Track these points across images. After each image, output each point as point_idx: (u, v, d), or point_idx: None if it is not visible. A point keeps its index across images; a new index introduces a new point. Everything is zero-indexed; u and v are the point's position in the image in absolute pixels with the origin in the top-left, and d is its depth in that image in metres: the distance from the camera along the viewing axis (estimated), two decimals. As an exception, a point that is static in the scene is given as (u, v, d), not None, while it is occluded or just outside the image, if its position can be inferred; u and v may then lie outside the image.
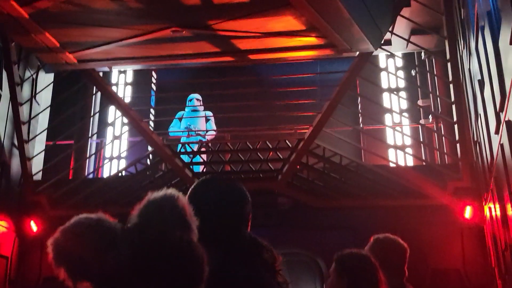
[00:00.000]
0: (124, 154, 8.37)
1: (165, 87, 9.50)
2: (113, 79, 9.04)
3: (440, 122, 7.41)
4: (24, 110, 6.74)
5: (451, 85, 6.11)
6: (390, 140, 8.04)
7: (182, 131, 7.72)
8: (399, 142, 8.05)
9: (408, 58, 8.10)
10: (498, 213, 4.11)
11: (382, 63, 8.66)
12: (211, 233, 1.59)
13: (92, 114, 8.22)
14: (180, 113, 8.08)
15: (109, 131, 8.77)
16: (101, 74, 6.66)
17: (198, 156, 6.64)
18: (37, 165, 6.88)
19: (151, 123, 8.13)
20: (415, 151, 7.77)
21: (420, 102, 7.85)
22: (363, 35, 5.01)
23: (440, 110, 7.25)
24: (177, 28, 5.00)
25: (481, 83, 4.30)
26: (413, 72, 8.36)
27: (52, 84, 7.56)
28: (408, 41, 6.75)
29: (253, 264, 1.56)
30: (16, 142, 6.61)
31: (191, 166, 6.45)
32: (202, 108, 8.20)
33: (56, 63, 5.81)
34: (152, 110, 8.84)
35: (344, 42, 5.16)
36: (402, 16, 6.21)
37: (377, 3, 5.06)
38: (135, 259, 1.14)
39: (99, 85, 6.50)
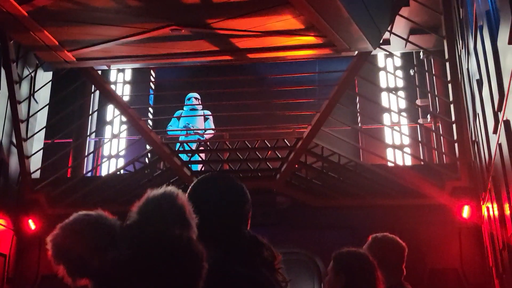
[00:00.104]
0: (122, 153, 8.37)
1: (163, 85, 9.50)
2: (112, 78, 9.04)
3: (438, 121, 7.42)
4: (22, 108, 6.73)
5: (449, 85, 6.12)
6: (388, 140, 8.05)
7: (181, 130, 7.72)
8: (397, 142, 8.06)
9: (406, 57, 8.11)
10: (496, 212, 4.12)
11: (380, 62, 8.67)
12: (211, 231, 1.59)
13: (90, 112, 8.22)
14: (178, 112, 8.08)
15: (108, 129, 8.76)
16: (99, 72, 6.65)
17: (196, 154, 6.64)
18: (35, 163, 6.87)
19: (150, 122, 8.12)
20: (413, 150, 7.79)
21: (418, 102, 7.86)
22: (362, 35, 5.01)
23: (438, 110, 7.27)
24: (176, 26, 4.99)
25: (480, 82, 4.31)
26: (411, 72, 8.38)
27: (50, 82, 7.55)
28: (407, 40, 6.76)
29: (253, 262, 1.57)
30: (14, 140, 6.61)
31: (189, 165, 6.45)
32: (200, 107, 8.20)
33: (55, 61, 5.80)
34: (150, 109, 8.84)
35: (343, 42, 5.16)
36: (401, 16, 6.22)
37: (376, 2, 5.07)
38: (135, 256, 1.14)
39: (98, 84, 6.49)
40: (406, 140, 8.05)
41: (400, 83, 8.61)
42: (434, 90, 7.39)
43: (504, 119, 3.17)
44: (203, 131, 7.68)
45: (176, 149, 6.54)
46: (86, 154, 7.92)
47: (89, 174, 7.43)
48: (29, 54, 7.07)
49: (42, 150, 7.10)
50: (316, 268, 6.63)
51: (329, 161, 6.13)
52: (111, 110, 8.70)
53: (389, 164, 6.65)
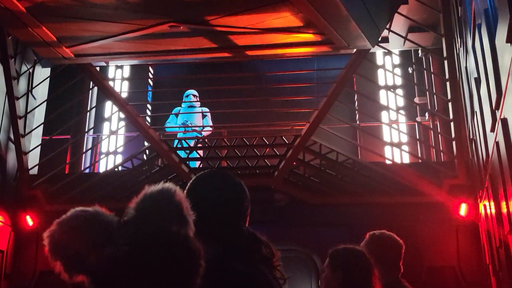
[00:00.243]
0: (120, 149, 8.36)
1: (162, 82, 9.49)
2: (110, 74, 9.02)
3: (436, 119, 7.43)
4: (20, 104, 6.72)
5: (447, 83, 6.13)
6: (386, 137, 8.06)
7: (179, 127, 7.72)
8: (395, 140, 8.08)
9: (405, 55, 8.12)
10: (493, 210, 4.13)
11: (379, 60, 8.67)
12: (210, 228, 1.60)
13: (88, 109, 8.20)
14: (176, 109, 8.08)
15: (106, 126, 8.75)
16: (98, 68, 6.64)
17: (194, 151, 6.64)
18: (33, 159, 6.87)
19: (148, 118, 8.12)
20: (411, 148, 7.80)
21: (416, 100, 7.87)
22: (361, 32, 5.01)
23: (436, 108, 7.28)
24: (174, 23, 4.99)
25: (478, 81, 4.31)
26: (410, 70, 8.38)
27: (48, 78, 7.54)
28: (405, 38, 6.76)
29: (251, 259, 1.57)
30: (12, 136, 6.59)
31: (187, 162, 6.45)
32: (198, 104, 8.20)
33: (53, 57, 5.79)
34: (148, 105, 8.83)
35: (342, 39, 5.16)
36: (400, 14, 6.22)
37: (375, 0, 5.06)
38: (132, 253, 1.14)
39: (96, 80, 6.48)
40: (404, 138, 8.06)
41: (399, 81, 8.61)
42: (432, 88, 7.40)
43: (502, 117, 3.17)
44: (201, 128, 7.68)
45: (174, 146, 6.55)
46: (84, 150, 7.91)
47: (87, 171, 7.42)
48: (27, 50, 7.05)
49: (40, 146, 7.09)
50: (314, 266, 6.65)
51: (327, 159, 6.14)
52: (109, 107, 8.69)
53: (387, 162, 6.66)
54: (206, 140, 7.16)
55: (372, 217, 5.80)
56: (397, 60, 8.53)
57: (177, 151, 6.42)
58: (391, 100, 8.45)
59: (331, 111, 6.10)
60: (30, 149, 6.78)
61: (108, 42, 5.40)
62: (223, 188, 1.69)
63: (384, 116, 8.37)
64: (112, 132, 8.48)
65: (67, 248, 1.15)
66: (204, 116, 7.99)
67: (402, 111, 8.14)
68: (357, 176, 6.14)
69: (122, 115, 8.03)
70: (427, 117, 7.90)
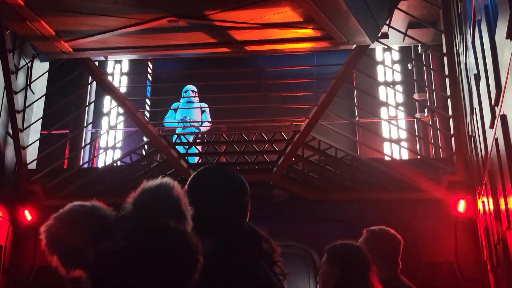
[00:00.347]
0: (119, 144, 8.35)
1: (161, 77, 9.47)
2: (109, 69, 9.00)
3: (435, 116, 7.43)
4: (19, 99, 6.70)
5: (447, 79, 6.12)
6: (385, 134, 8.06)
7: (178, 122, 7.71)
8: (394, 136, 8.07)
9: (404, 51, 8.11)
10: (491, 207, 4.14)
11: (378, 56, 8.66)
12: (210, 223, 1.60)
13: (87, 103, 8.19)
14: (175, 104, 8.07)
15: (105, 121, 8.74)
16: (96, 63, 6.63)
17: (193, 147, 6.63)
18: (31, 154, 6.86)
19: (147, 114, 8.11)
20: (410, 144, 7.80)
21: (416, 96, 7.87)
22: (360, 28, 5.00)
23: (435, 104, 7.27)
24: (173, 18, 4.97)
25: (477, 77, 4.31)
26: (409, 66, 8.37)
27: (47, 72, 7.51)
28: (405, 34, 6.75)
29: (251, 254, 1.57)
30: (10, 131, 6.58)
31: (186, 157, 6.45)
32: (197, 99, 8.18)
33: (52, 52, 5.77)
34: (147, 101, 8.81)
35: (341, 35, 5.15)
36: (400, 9, 6.20)
37: (375, -5, 5.05)
38: (130, 247, 1.14)
39: (95, 75, 6.46)
40: (403, 134, 8.06)
41: (398, 77, 8.60)
42: (432, 84, 7.39)
43: (501, 113, 3.17)
44: (200, 124, 7.67)
45: (173, 141, 6.54)
46: (82, 145, 7.90)
47: (85, 166, 7.42)
48: (26, 44, 7.03)
49: (38, 141, 7.08)
50: (312, 261, 6.66)
51: (326, 155, 6.14)
52: (108, 102, 8.68)
53: (386, 158, 6.67)
54: (205, 135, 7.16)
55: (370, 213, 5.80)
56: (396, 56, 8.52)
57: (176, 147, 6.42)
58: (390, 96, 8.44)
59: (330, 107, 6.09)
60: (29, 143, 6.78)
61: (107, 37, 5.38)
62: (223, 183, 1.69)
63: (383, 112, 8.37)
64: (111, 127, 8.47)
65: (65, 243, 1.14)
66: (202, 112, 7.98)
67: (401, 107, 8.14)
68: (356, 172, 6.14)
69: (121, 110, 8.01)
70: (426, 114, 7.90)
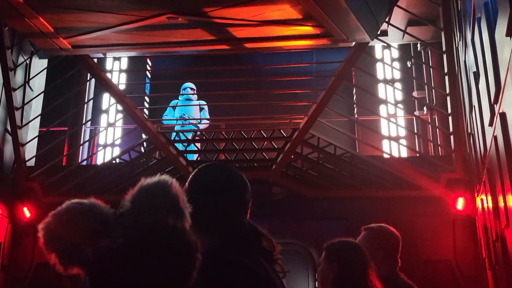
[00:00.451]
0: (118, 142, 8.34)
1: (159, 74, 9.46)
2: (108, 66, 8.99)
3: (434, 113, 7.43)
4: (17, 96, 6.69)
5: (446, 77, 6.11)
6: (384, 131, 8.06)
7: (176, 120, 7.70)
8: (393, 133, 8.07)
9: (404, 49, 8.10)
10: (490, 204, 4.14)
11: (378, 53, 8.66)
12: (211, 220, 1.60)
13: (86, 100, 8.17)
14: (174, 102, 8.06)
15: (103, 118, 8.73)
16: (95, 60, 6.61)
17: (192, 144, 6.63)
18: (30, 151, 6.85)
19: (146, 111, 8.10)
20: (409, 142, 7.80)
21: (415, 94, 7.87)
22: (360, 25, 4.99)
23: (434, 102, 7.27)
24: (172, 15, 4.95)
25: (476, 75, 4.30)
26: (408, 64, 8.37)
27: (46, 69, 7.50)
28: (404, 32, 6.73)
29: (252, 252, 1.56)
30: (9, 128, 6.57)
31: (185, 154, 6.44)
32: (195, 97, 8.18)
33: (50, 49, 5.75)
34: (146, 98, 8.80)
35: (341, 32, 5.14)
36: (399, 7, 6.19)
37: (374, -7, 5.04)
38: (128, 245, 1.13)
39: (94, 72, 6.45)
40: (402, 132, 8.06)
41: (397, 75, 8.60)
42: (431, 82, 7.38)
43: (500, 111, 3.17)
44: (198, 121, 7.66)
45: (172, 139, 6.53)
46: (81, 142, 7.90)
47: (84, 163, 7.41)
48: (24, 41, 7.01)
49: (37, 138, 7.07)
50: (311, 259, 6.67)
51: (325, 152, 6.14)
52: (107, 99, 8.66)
53: (385, 155, 6.67)
54: (204, 133, 7.15)
55: (369, 210, 5.81)
56: (396, 53, 8.52)
57: (175, 144, 6.41)
58: (390, 94, 8.44)
59: (329, 104, 6.08)
60: (27, 140, 6.76)
61: (106, 34, 5.37)
62: (224, 180, 1.69)
63: (383, 109, 8.37)
64: (110, 124, 8.45)
65: (62, 240, 1.14)
66: (201, 109, 7.97)
67: (400, 105, 8.14)
68: (355, 170, 6.14)
69: (119, 107, 8.00)
70: (425, 111, 7.90)
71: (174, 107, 7.98)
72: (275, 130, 6.27)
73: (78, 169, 6.63)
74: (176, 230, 1.18)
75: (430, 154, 7.29)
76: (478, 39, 3.94)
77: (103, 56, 7.02)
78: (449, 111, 6.01)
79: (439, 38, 6.52)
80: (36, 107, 7.32)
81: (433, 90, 7.26)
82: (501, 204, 3.42)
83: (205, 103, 8.03)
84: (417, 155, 6.89)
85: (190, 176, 1.71)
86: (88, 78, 7.69)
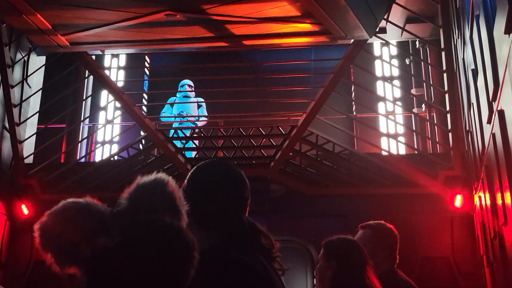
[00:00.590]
0: (116, 139, 8.33)
1: (158, 71, 9.44)
2: (106, 63, 8.96)
3: (433, 111, 7.44)
4: (15, 93, 6.67)
5: (444, 74, 6.11)
6: (383, 129, 8.06)
7: (175, 117, 7.69)
8: (392, 131, 8.08)
9: (402, 46, 8.09)
10: (488, 202, 4.15)
11: (376, 51, 8.65)
12: (210, 217, 1.60)
13: (84, 97, 8.15)
14: (171, 99, 8.04)
15: (102, 115, 8.71)
16: (93, 57, 6.60)
17: (190, 141, 6.62)
18: (28, 148, 6.83)
19: (144, 108, 8.09)
20: (407, 139, 7.80)
21: (413, 91, 7.86)
22: (358, 23, 4.99)
23: (433, 99, 7.27)
24: (170, 12, 4.94)
25: (475, 72, 4.30)
26: (407, 61, 8.36)
27: (44, 66, 7.48)
28: (403, 29, 6.73)
29: (251, 249, 1.56)
30: (7, 125, 6.56)
31: (183, 152, 6.44)
32: (193, 94, 8.16)
33: (48, 46, 5.74)
34: (145, 95, 8.79)
35: (339, 29, 5.13)
36: (398, 4, 6.19)
37: (373, -10, 5.03)
38: (125, 243, 1.13)
39: (92, 69, 6.44)
40: (401, 129, 8.06)
41: (396, 72, 8.60)
42: (429, 79, 7.38)
43: (499, 109, 3.17)
44: (196, 118, 7.65)
45: (170, 136, 6.52)
46: (79, 139, 7.88)
47: (82, 160, 7.40)
48: (22, 37, 6.99)
49: (35, 135, 7.06)
50: (309, 256, 6.67)
51: (324, 149, 6.14)
52: (105, 96, 8.65)
53: (383, 153, 6.67)
54: (202, 130, 7.14)
55: (368, 207, 5.81)
56: (394, 51, 8.51)
57: (173, 141, 6.40)
58: (388, 91, 8.44)
59: (328, 101, 6.08)
60: (25, 137, 6.75)
61: (104, 31, 5.36)
62: (223, 177, 1.69)
63: (381, 107, 8.36)
64: (108, 121, 8.44)
65: (59, 240, 1.13)
66: (199, 106, 7.96)
67: (398, 102, 8.13)
68: (353, 167, 6.15)
69: (118, 104, 7.98)
70: (423, 109, 7.90)
71: (172, 104, 7.96)
72: (273, 127, 6.27)
73: (76, 166, 6.62)
74: (173, 228, 1.18)
75: (428, 152, 7.30)
76: (476, 36, 3.93)
77: (101, 53, 7.00)
78: (448, 108, 6.01)
79: (437, 35, 6.51)
80: (34, 104, 7.30)
81: (432, 87, 7.26)
82: (499, 202, 3.42)
83: (203, 100, 8.02)
84: (416, 152, 6.89)
85: (189, 174, 1.71)
86: (86, 75, 7.67)
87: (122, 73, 9.08)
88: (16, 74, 6.88)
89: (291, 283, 6.70)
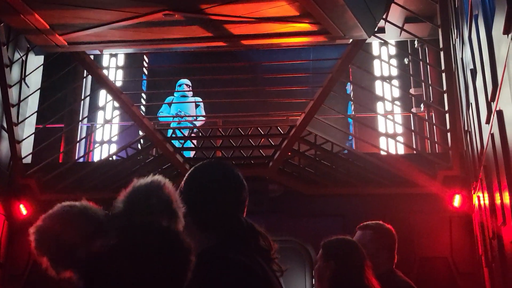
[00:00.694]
0: (114, 139, 8.32)
1: (156, 71, 9.43)
2: (104, 63, 8.95)
3: (431, 111, 7.43)
4: (13, 93, 6.66)
5: (443, 74, 6.11)
6: (381, 128, 8.06)
7: (173, 117, 7.68)
8: (390, 130, 8.07)
9: (401, 46, 8.09)
10: (487, 202, 4.15)
11: (375, 50, 8.64)
12: (208, 218, 1.59)
13: (82, 97, 8.14)
14: (169, 98, 8.03)
15: (100, 115, 8.70)
16: (92, 57, 6.59)
17: (189, 141, 6.62)
18: (26, 148, 6.82)
19: (142, 108, 8.08)
20: (406, 139, 7.80)
21: (412, 91, 7.86)
22: (357, 22, 4.98)
23: (431, 99, 7.27)
24: (169, 11, 4.93)
25: (473, 72, 4.30)
26: (405, 61, 8.36)
27: (42, 66, 7.46)
28: (401, 29, 6.73)
29: (249, 250, 1.56)
30: (5, 125, 6.54)
31: (182, 151, 6.43)
32: (191, 93, 8.16)
33: (46, 45, 5.73)
34: (143, 95, 8.77)
35: (338, 29, 5.13)
36: (396, 4, 6.18)
37: (372, -10, 5.03)
38: (121, 247, 1.12)
39: (90, 68, 6.42)
40: (399, 129, 8.06)
41: (394, 72, 8.60)
42: (428, 79, 7.38)
43: (497, 109, 3.17)
44: (194, 118, 7.64)
45: (169, 136, 6.52)
46: (78, 139, 7.87)
47: (81, 160, 7.39)
48: (20, 37, 6.97)
49: (33, 135, 7.05)
50: (308, 256, 6.67)
51: (322, 149, 6.13)
52: (103, 95, 8.63)
53: (382, 152, 6.67)
54: (201, 130, 7.14)
55: (366, 207, 5.80)
56: (393, 50, 8.51)
57: (172, 141, 6.40)
58: (387, 91, 8.44)
59: (326, 101, 6.08)
60: (24, 137, 6.73)
61: (102, 30, 5.34)
62: (221, 178, 1.69)
63: (380, 107, 8.36)
64: (107, 121, 8.43)
65: (54, 244, 1.13)
66: (197, 106, 7.95)
67: (397, 102, 8.13)
68: (352, 167, 6.14)
69: (116, 104, 7.97)
70: (422, 108, 7.90)
71: (169, 104, 7.95)
72: (272, 127, 6.26)
73: (74, 166, 6.60)
74: (169, 232, 1.18)
75: (427, 151, 7.30)
76: (475, 36, 3.93)
77: (99, 53, 6.99)
78: (446, 108, 6.01)
79: (436, 35, 6.51)
80: (32, 104, 7.28)
81: (430, 87, 7.26)
82: (498, 202, 3.42)
83: (201, 100, 8.01)
84: (414, 152, 6.89)
85: (187, 174, 1.71)
86: (85, 75, 7.66)
87: (120, 73, 9.07)
88: (14, 73, 6.86)
89: (290, 283, 6.69)
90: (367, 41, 6.14)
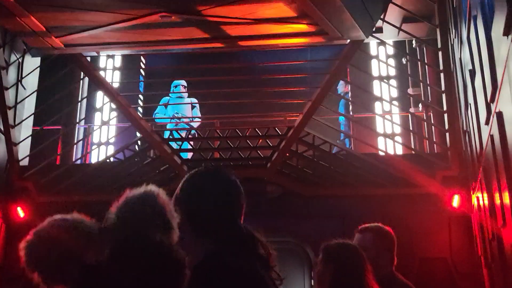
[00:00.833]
0: (112, 140, 8.29)
1: (154, 72, 9.40)
2: (101, 64, 8.92)
3: (430, 111, 7.42)
4: (10, 95, 6.63)
5: (441, 74, 6.10)
6: (380, 129, 8.05)
7: (170, 118, 7.65)
8: (388, 131, 8.06)
9: (399, 46, 8.08)
10: (486, 202, 4.14)
11: (373, 50, 8.63)
12: (207, 225, 1.58)
13: (79, 99, 8.11)
14: (165, 99, 8.00)
15: (97, 116, 8.67)
16: (88, 59, 6.56)
17: (186, 142, 6.60)
18: (23, 150, 6.79)
19: (140, 109, 8.05)
20: (404, 139, 7.79)
21: (410, 91, 7.85)
22: (355, 23, 4.97)
23: (430, 99, 7.26)
24: (166, 13, 4.91)
25: (472, 72, 4.29)
26: (404, 61, 8.35)
27: (38, 68, 7.43)
28: (399, 29, 6.71)
29: (248, 257, 1.55)
30: (2, 127, 6.51)
31: (179, 153, 6.40)
32: (187, 95, 8.13)
33: (42, 47, 5.71)
34: (140, 96, 8.75)
35: (335, 30, 5.12)
36: (394, 4, 6.17)
37: (369, -10, 5.02)
38: (114, 263, 1.10)
39: (87, 70, 6.40)
40: (398, 129, 8.05)
41: (392, 72, 8.58)
42: (426, 79, 7.37)
43: (497, 110, 3.15)
44: (190, 119, 7.61)
45: (166, 137, 6.49)
46: (75, 141, 7.84)
47: (78, 162, 7.36)
48: (17, 39, 6.93)
49: (30, 137, 7.01)
50: (306, 257, 6.66)
51: (320, 150, 6.12)
52: (100, 97, 8.60)
53: (380, 153, 6.65)
54: (198, 131, 7.11)
55: (365, 208, 5.79)
56: (391, 50, 8.49)
57: (169, 142, 6.37)
58: (385, 91, 8.42)
59: (324, 102, 6.06)
60: (21, 140, 6.70)
61: (99, 32, 5.32)
62: (218, 184, 1.68)
63: (378, 107, 8.35)
64: (104, 123, 8.40)
65: (45, 259, 1.11)
66: (193, 107, 7.92)
67: (395, 102, 8.12)
68: (350, 168, 6.13)
69: (113, 106, 7.94)
70: (420, 108, 7.89)
71: (165, 105, 7.92)
72: (270, 128, 6.25)
73: (72, 168, 6.58)
74: (162, 247, 1.16)
75: (425, 152, 7.29)
76: (474, 37, 3.92)
77: (96, 55, 6.96)
78: (445, 108, 6.00)
79: (434, 35, 6.50)
80: (29, 106, 7.24)
81: (429, 87, 7.25)
82: (497, 202, 3.40)
83: (196, 101, 7.98)
84: (413, 152, 6.87)
85: (182, 181, 1.69)
86: (82, 77, 7.63)
87: (117, 74, 9.04)
88: (10, 75, 6.83)
89: (288, 284, 6.67)
90: (364, 41, 6.13)
